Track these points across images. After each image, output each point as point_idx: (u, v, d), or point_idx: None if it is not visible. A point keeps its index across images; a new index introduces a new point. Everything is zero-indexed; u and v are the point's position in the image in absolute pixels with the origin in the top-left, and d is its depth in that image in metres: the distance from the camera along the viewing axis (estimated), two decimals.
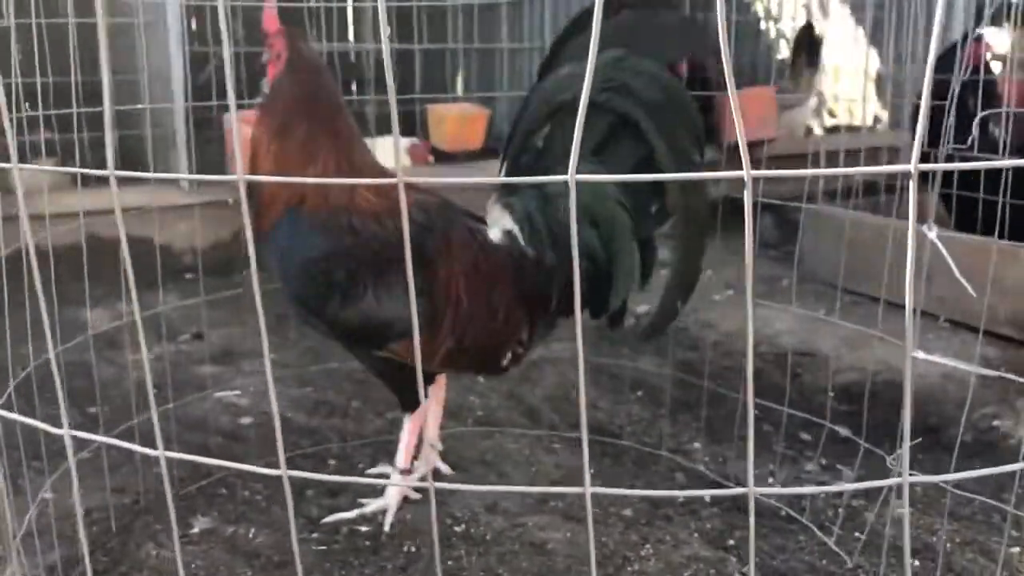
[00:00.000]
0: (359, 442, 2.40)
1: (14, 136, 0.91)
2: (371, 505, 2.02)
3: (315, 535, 1.95)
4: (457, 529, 1.95)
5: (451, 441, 2.37)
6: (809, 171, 0.71)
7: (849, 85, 5.85)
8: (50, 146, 3.52)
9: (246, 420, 2.54)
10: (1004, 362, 2.95)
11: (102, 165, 0.87)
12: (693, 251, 1.97)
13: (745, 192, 0.67)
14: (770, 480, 2.26)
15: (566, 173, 1.90)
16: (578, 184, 1.94)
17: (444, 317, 1.86)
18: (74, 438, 0.89)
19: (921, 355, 1.77)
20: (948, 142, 2.64)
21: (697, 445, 2.45)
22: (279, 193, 1.83)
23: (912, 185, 0.65)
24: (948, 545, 1.91)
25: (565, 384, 2.78)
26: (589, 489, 0.72)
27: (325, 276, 1.80)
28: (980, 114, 3.16)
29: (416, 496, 2.07)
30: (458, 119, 4.04)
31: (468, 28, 4.49)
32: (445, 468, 2.19)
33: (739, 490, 0.74)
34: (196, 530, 1.97)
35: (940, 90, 3.28)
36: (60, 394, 0.92)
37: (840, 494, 2.16)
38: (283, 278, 1.85)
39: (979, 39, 3.54)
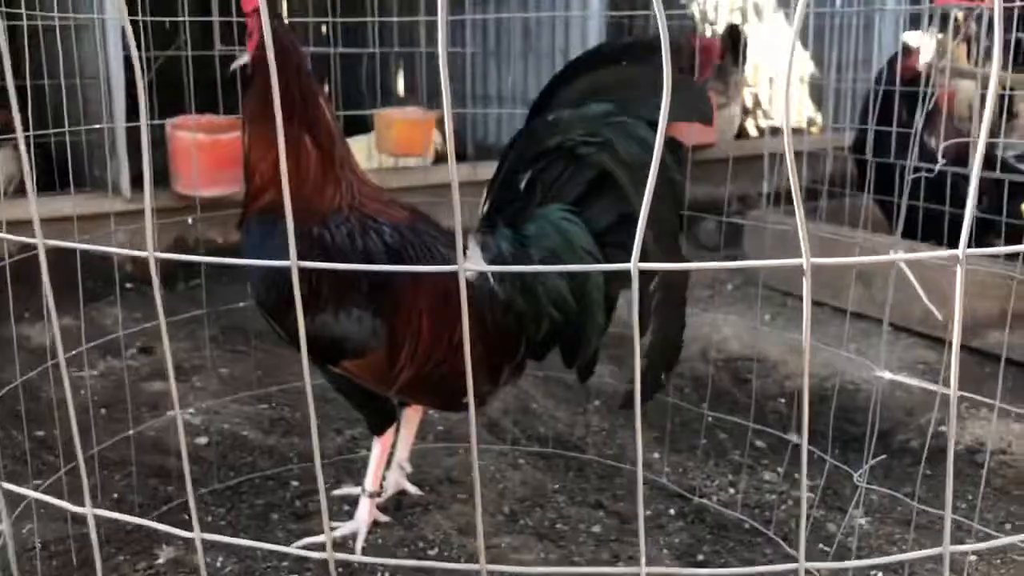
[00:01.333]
0: (321, 462, 2.36)
1: None
2: (341, 529, 2.00)
3: (285, 563, 1.92)
4: (431, 552, 1.94)
5: (415, 459, 2.36)
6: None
7: (782, 88, 5.98)
8: None
9: (202, 440, 2.48)
10: (944, 365, 3.06)
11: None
12: (673, 322, 1.92)
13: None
14: (731, 491, 2.30)
15: (546, 216, 1.91)
16: (551, 229, 1.95)
17: (403, 343, 1.83)
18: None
19: (888, 375, 1.82)
20: (912, 159, 2.72)
21: (657, 455, 2.48)
22: (267, 188, 1.82)
23: (960, 273, 0.67)
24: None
25: (523, 396, 2.78)
26: (645, 569, 0.72)
27: (287, 284, 1.76)
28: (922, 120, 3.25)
29: (385, 519, 2.06)
30: (406, 124, 4.01)
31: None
32: (413, 489, 2.18)
33: (791, 566, 0.75)
34: (161, 560, 1.93)
35: (881, 102, 3.38)
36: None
37: (797, 503, 2.21)
38: (249, 277, 1.87)
39: (907, 50, 3.65)
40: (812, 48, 5.51)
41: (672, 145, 1.86)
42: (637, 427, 0.74)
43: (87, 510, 0.87)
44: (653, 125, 1.82)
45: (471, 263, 1.92)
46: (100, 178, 3.60)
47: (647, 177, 1.83)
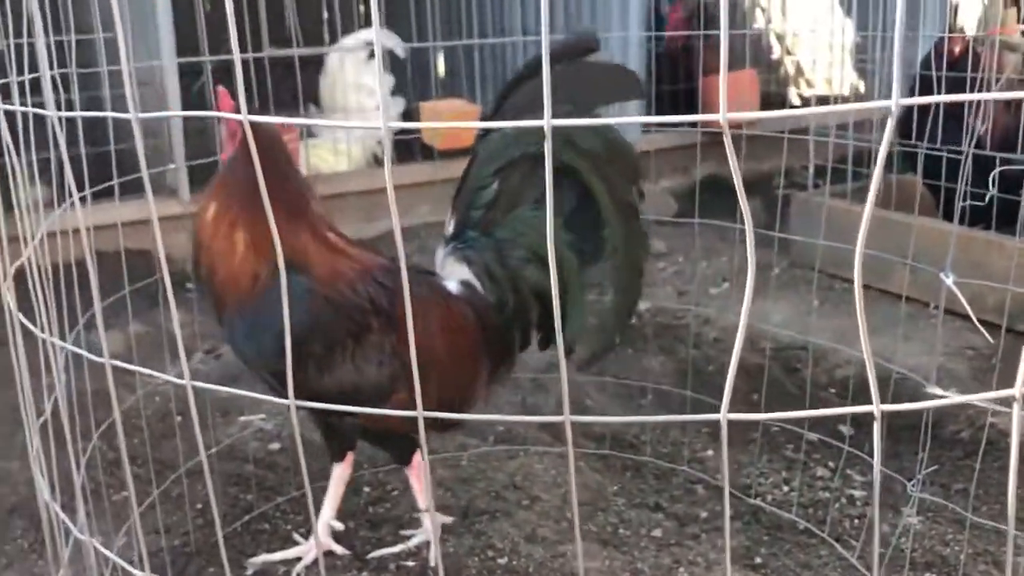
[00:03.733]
0: (389, 467, 2.47)
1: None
2: (414, 539, 2.11)
3: (364, 573, 2.03)
4: (500, 561, 2.05)
5: (479, 462, 2.46)
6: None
7: (825, 54, 5.92)
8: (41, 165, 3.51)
9: (275, 446, 2.60)
10: (992, 349, 3.08)
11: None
12: (632, 283, 2.07)
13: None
14: (785, 488, 2.38)
15: (516, 218, 2.03)
16: (526, 228, 2.05)
17: (412, 380, 1.89)
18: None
19: (938, 391, 1.87)
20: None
21: (710, 452, 2.56)
22: (254, 271, 1.82)
23: None
24: (962, 557, 2.03)
25: (577, 391, 2.86)
26: None
27: (306, 348, 1.80)
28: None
29: (446, 518, 2.15)
30: (451, 116, 4.07)
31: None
32: (340, 550, 2.13)
33: None
34: (249, 572, 2.05)
35: (925, 86, 3.37)
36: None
37: (853, 504, 2.29)
38: (256, 353, 1.84)
39: (941, 40, 3.61)
40: (856, 15, 5.46)
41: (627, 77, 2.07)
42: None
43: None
44: (597, 108, 2.01)
45: (451, 280, 2.03)
46: (158, 183, 3.71)
47: (603, 159, 1.93)
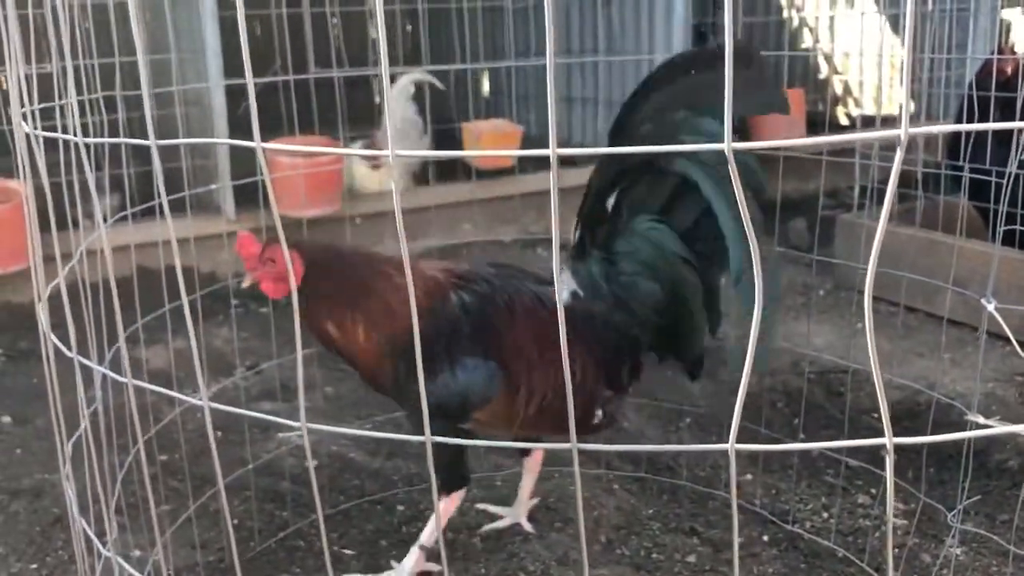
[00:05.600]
0: (423, 486, 2.48)
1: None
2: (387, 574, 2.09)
3: None
4: None
5: (514, 483, 2.45)
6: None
7: (872, 73, 5.85)
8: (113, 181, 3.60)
9: (312, 463, 2.62)
10: None
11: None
12: (767, 319, 1.93)
13: None
14: (824, 515, 2.33)
15: (633, 230, 1.99)
16: (639, 245, 2.01)
17: (520, 379, 1.92)
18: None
19: (981, 420, 1.83)
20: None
21: (749, 476, 2.52)
22: (377, 350, 1.88)
23: None
24: None
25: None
26: None
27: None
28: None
29: (436, 568, 2.07)
30: (493, 136, 4.10)
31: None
32: (528, 526, 2.27)
33: None
34: None
35: (977, 106, 3.31)
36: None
37: (895, 532, 2.23)
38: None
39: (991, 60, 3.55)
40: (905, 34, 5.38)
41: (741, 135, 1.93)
42: None
43: None
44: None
45: (564, 289, 2.01)
46: (204, 200, 3.78)
47: (725, 176, 1.87)
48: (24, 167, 1.25)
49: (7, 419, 2.93)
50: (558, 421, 1.99)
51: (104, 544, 1.16)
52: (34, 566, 2.16)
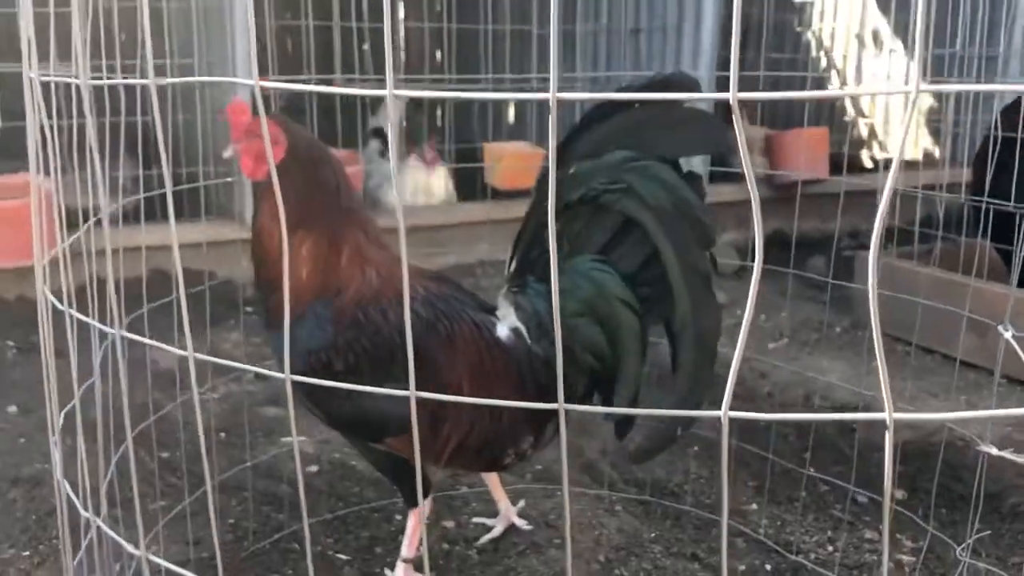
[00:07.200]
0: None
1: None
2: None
3: None
4: None
5: (513, 497, 2.42)
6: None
7: (898, 116, 5.84)
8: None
9: (313, 468, 2.60)
10: None
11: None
12: (700, 366, 1.83)
13: None
14: (830, 548, 2.28)
15: (575, 268, 1.91)
16: (582, 284, 1.92)
17: (447, 416, 1.84)
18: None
19: (994, 451, 1.78)
20: None
21: (755, 506, 2.47)
22: (310, 285, 1.82)
23: None
24: None
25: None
26: None
27: (326, 368, 1.78)
28: None
29: None
30: (513, 156, 4.10)
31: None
32: (521, 523, 2.27)
33: None
34: None
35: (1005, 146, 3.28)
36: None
37: (902, 569, 2.18)
38: (281, 368, 1.85)
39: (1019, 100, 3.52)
40: (931, 80, 5.38)
41: (690, 180, 1.83)
42: None
43: None
44: (673, 164, 1.82)
45: (503, 324, 1.93)
46: (223, 207, 3.79)
47: (672, 217, 1.79)
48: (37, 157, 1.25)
49: (13, 408, 2.93)
50: (476, 457, 1.93)
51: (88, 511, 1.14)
52: (26, 553, 2.15)
